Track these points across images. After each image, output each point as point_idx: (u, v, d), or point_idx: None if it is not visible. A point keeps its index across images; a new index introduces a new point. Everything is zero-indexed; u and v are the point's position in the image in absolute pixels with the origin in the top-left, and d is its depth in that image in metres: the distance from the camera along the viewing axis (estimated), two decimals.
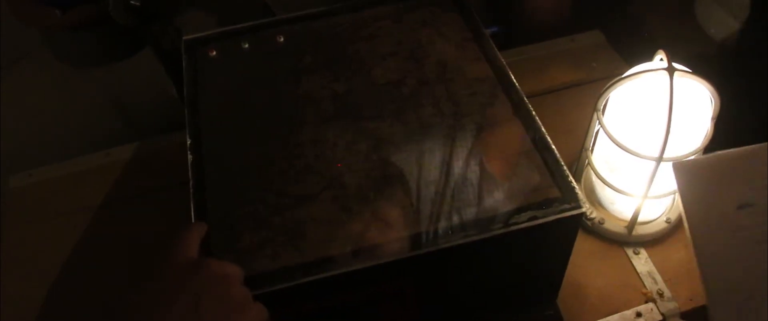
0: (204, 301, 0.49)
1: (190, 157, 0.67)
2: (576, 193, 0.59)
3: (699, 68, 0.67)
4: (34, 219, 0.93)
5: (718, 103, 0.67)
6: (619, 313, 0.74)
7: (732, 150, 0.64)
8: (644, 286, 0.76)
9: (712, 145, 0.69)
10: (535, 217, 0.58)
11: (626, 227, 0.79)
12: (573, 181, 0.60)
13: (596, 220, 0.80)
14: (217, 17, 1.14)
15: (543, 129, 0.64)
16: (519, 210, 0.59)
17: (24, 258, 0.87)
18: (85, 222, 0.91)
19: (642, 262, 0.78)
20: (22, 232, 0.90)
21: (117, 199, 0.94)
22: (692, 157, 0.66)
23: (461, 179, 0.61)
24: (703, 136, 0.69)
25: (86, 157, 1.01)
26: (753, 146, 0.64)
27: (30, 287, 0.83)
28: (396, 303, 0.67)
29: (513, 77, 0.70)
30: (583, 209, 0.59)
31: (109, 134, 1.14)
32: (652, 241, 0.80)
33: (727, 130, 0.71)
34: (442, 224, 0.58)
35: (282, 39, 0.78)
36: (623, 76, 0.69)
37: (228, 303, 0.51)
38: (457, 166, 0.63)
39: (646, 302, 0.75)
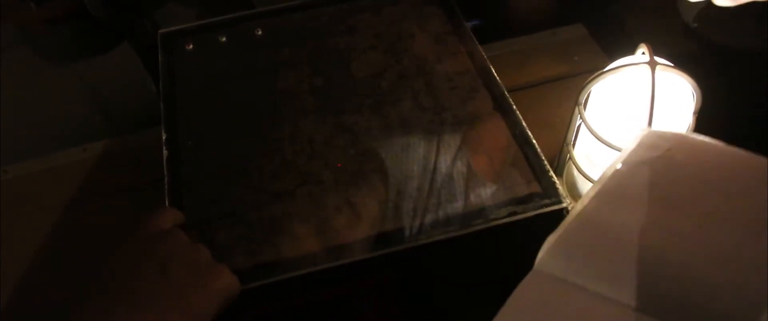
0: (172, 264, 0.50)
1: (165, 152, 0.65)
2: (557, 188, 0.59)
3: (681, 62, 0.67)
4: (9, 215, 0.91)
5: (700, 98, 0.67)
6: None
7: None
8: None
9: None
10: (515, 213, 0.57)
11: None
12: (554, 175, 0.60)
13: None
14: (196, 11, 1.12)
15: (524, 123, 0.64)
16: (499, 205, 0.58)
17: None
18: (62, 218, 0.89)
19: None
20: None
21: (94, 194, 0.92)
22: None
23: (441, 174, 0.61)
24: (685, 131, 0.68)
25: (63, 153, 0.99)
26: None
27: (4, 285, 0.82)
28: (376, 300, 0.66)
29: (494, 71, 0.69)
30: (564, 204, 0.58)
31: (87, 129, 1.12)
32: None
33: (708, 125, 0.70)
34: (421, 220, 0.58)
35: (260, 32, 0.77)
36: (605, 70, 0.69)
37: (197, 268, 0.51)
38: (437, 161, 0.62)
39: None
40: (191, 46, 0.76)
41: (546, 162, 0.61)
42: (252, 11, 0.81)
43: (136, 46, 1.07)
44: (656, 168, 0.50)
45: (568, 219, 0.49)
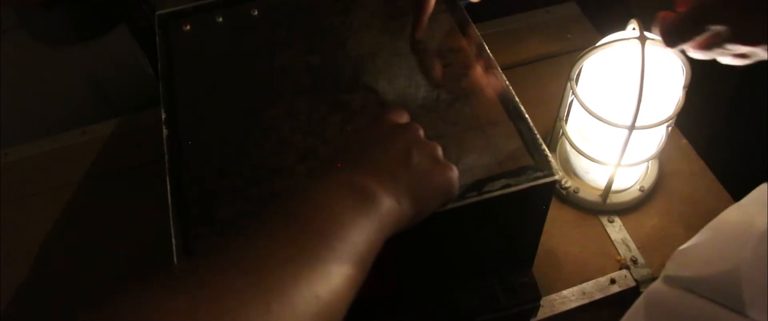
0: (414, 152, 0.52)
1: (165, 131, 0.66)
2: (549, 161, 0.60)
3: None
4: (10, 197, 0.92)
5: (690, 72, 0.68)
6: (593, 280, 0.75)
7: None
8: (618, 254, 0.77)
9: (682, 114, 0.70)
10: (509, 185, 0.59)
11: (601, 196, 0.80)
12: (546, 148, 0.61)
13: (571, 189, 0.81)
14: None
15: (517, 99, 0.65)
16: (492, 178, 0.59)
17: None
18: (63, 200, 0.90)
19: (616, 230, 0.79)
20: None
21: (95, 176, 0.94)
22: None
23: None
24: (675, 104, 0.70)
25: (63, 135, 1.00)
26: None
27: (5, 267, 0.83)
28: (372, 273, 0.68)
29: (487, 49, 0.70)
30: (556, 176, 0.59)
31: (86, 112, 1.13)
32: (626, 210, 0.81)
33: (697, 99, 0.72)
34: None
35: (256, 12, 0.78)
36: (596, 45, 0.70)
37: (434, 159, 0.53)
38: (431, 137, 0.63)
39: (620, 269, 0.76)
40: (188, 27, 0.77)
41: (538, 135, 0.62)
42: None
43: (133, 28, 1.07)
44: None
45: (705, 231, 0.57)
